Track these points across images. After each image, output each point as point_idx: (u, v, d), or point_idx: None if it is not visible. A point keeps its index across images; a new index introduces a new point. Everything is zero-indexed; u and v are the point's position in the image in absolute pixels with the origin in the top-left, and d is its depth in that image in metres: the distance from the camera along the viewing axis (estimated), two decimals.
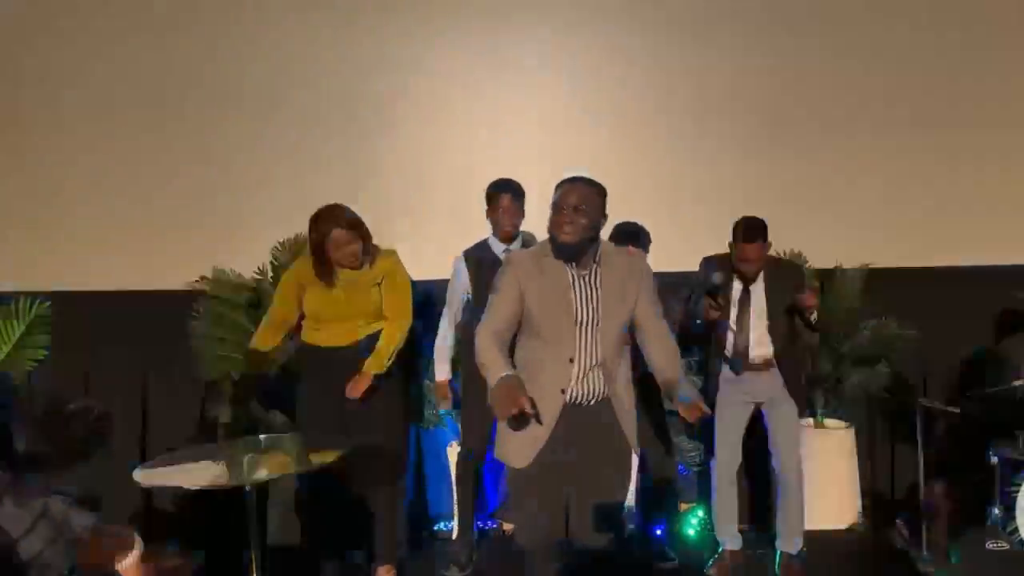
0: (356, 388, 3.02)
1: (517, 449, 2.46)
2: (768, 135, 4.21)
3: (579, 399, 2.47)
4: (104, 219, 4.11)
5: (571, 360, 2.44)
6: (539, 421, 2.39)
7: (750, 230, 3.17)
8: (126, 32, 4.11)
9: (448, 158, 4.18)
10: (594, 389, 2.48)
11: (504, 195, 3.29)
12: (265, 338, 3.19)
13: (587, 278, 2.47)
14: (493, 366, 2.33)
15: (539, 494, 2.48)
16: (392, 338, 3.12)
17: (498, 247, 3.36)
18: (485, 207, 3.37)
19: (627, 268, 2.52)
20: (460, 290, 3.42)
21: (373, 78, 4.16)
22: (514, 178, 3.35)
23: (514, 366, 2.40)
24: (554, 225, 2.41)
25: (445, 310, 3.50)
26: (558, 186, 2.45)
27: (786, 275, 3.33)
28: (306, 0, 4.15)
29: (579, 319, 2.44)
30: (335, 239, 2.99)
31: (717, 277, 3.13)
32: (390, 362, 3.11)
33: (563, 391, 2.44)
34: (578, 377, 2.45)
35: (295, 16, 4.14)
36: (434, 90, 4.20)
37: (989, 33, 4.25)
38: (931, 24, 4.24)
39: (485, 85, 4.20)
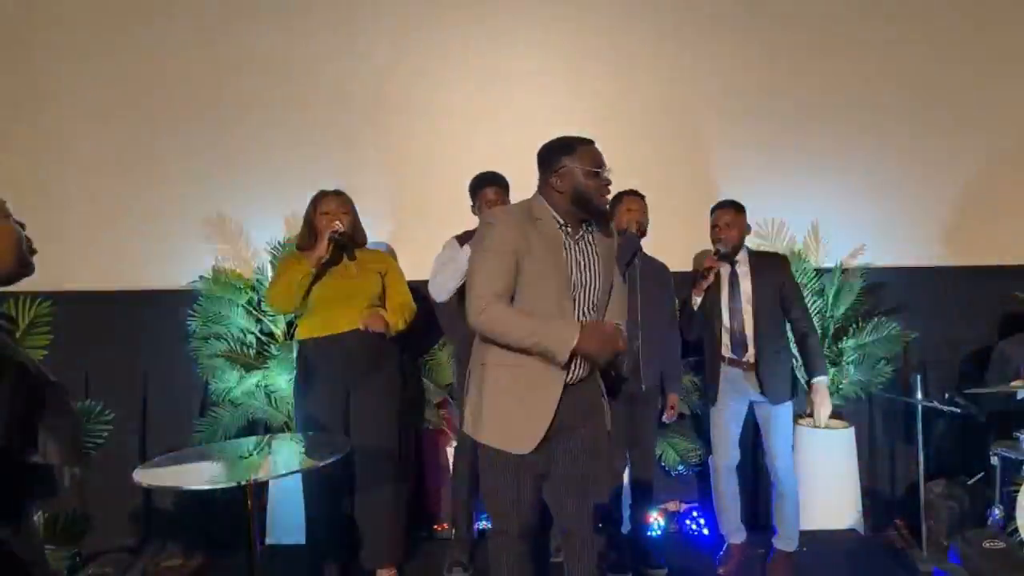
0: (371, 321, 3.09)
1: (520, 434, 2.22)
2: (768, 135, 4.21)
3: (576, 376, 2.27)
4: (103, 219, 4.11)
5: None
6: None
7: (722, 201, 3.40)
8: (125, 32, 4.11)
9: (448, 157, 4.17)
10: (586, 364, 2.28)
11: (489, 188, 3.26)
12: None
13: (581, 240, 2.31)
14: (546, 324, 2.15)
15: (527, 484, 2.27)
16: (405, 307, 3.29)
17: None
18: (470, 203, 3.35)
19: (611, 227, 2.43)
20: (463, 259, 3.06)
21: (372, 78, 4.16)
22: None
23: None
24: (598, 190, 2.25)
25: (450, 267, 3.16)
26: (578, 146, 2.29)
27: (770, 262, 3.38)
28: (303, 1, 4.15)
29: (574, 285, 2.25)
30: (324, 205, 3.22)
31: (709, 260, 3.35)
32: (397, 324, 3.20)
33: (564, 368, 2.21)
34: None
35: (294, 17, 4.14)
36: (432, 89, 4.19)
37: (991, 34, 4.25)
38: (934, 25, 4.24)
39: (484, 83, 4.19)
